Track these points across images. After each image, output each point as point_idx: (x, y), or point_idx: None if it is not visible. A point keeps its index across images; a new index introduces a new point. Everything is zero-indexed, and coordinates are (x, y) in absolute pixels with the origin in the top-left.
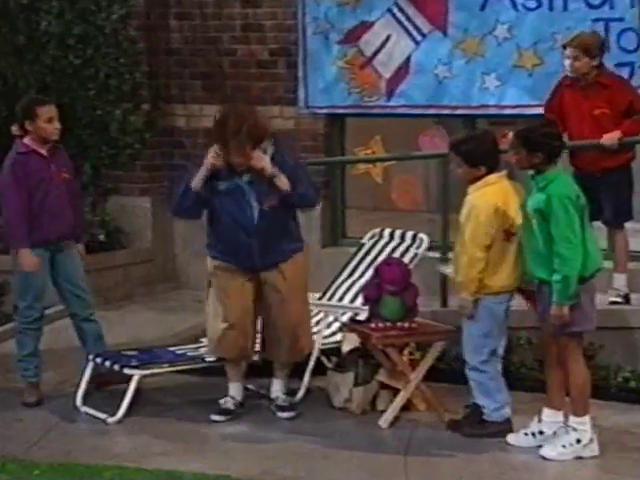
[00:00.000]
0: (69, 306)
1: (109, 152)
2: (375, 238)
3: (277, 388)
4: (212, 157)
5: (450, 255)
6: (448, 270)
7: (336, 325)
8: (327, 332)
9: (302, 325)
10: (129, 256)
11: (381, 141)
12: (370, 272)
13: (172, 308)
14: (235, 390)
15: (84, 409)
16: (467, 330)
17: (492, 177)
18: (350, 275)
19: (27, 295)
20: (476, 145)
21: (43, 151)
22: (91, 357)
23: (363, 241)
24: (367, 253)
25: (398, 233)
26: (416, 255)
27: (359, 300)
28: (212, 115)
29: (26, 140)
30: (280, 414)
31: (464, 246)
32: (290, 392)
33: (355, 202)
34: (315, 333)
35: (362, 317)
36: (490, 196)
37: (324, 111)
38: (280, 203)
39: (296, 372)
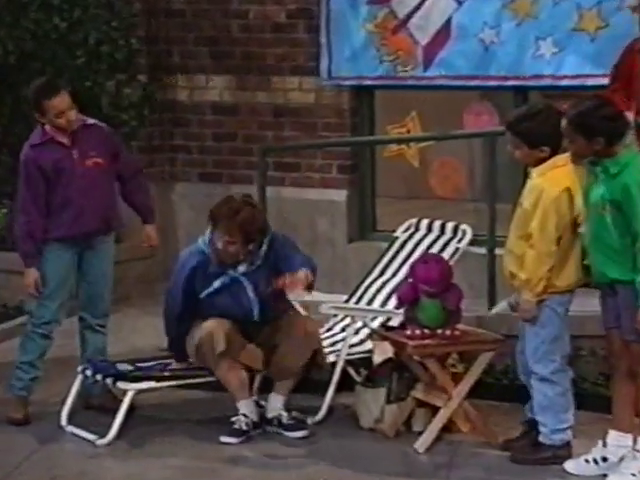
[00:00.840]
0: (80, 307)
1: None
2: (410, 230)
3: (276, 405)
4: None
5: (499, 252)
6: (506, 304)
7: (365, 332)
8: (355, 340)
9: (311, 321)
10: (125, 252)
11: (417, 118)
12: (404, 270)
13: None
14: (247, 407)
15: (70, 429)
16: (533, 337)
17: (560, 158)
18: (381, 274)
19: (41, 292)
20: (537, 123)
21: (64, 139)
22: (80, 369)
23: (396, 234)
24: (401, 248)
25: (437, 224)
26: (457, 250)
27: (392, 303)
28: (220, 87)
29: (47, 127)
30: (290, 434)
31: (530, 239)
32: (310, 411)
33: (387, 189)
34: (340, 341)
35: (395, 323)
36: (561, 180)
37: (350, 83)
38: (280, 290)
39: (317, 387)
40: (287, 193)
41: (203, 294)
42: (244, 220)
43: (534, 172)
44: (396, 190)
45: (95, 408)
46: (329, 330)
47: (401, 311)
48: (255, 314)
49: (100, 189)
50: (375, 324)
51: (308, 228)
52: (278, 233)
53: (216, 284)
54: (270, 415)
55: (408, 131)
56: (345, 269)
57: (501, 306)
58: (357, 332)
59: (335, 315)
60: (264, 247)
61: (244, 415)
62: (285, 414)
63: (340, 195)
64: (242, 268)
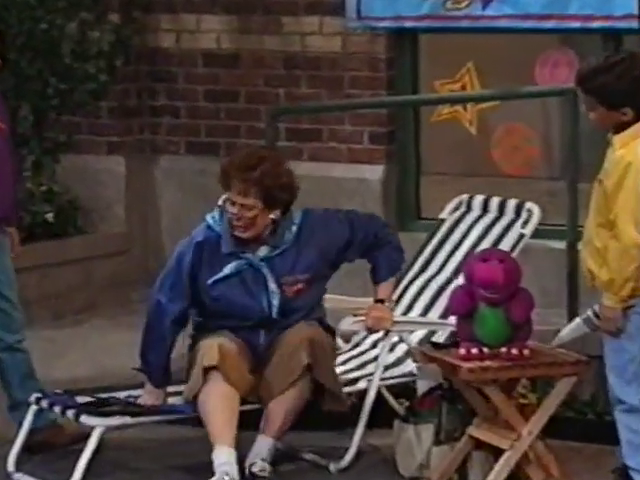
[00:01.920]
0: None
1: (60, 87)
2: (461, 210)
3: (259, 451)
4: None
5: (580, 246)
6: (580, 321)
7: (403, 348)
8: (389, 359)
9: (315, 327)
10: (91, 246)
11: (474, 70)
12: (453, 265)
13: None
14: (227, 457)
15: (18, 476)
16: (619, 354)
17: None
18: (422, 269)
19: None
20: (616, 77)
21: None
22: (32, 399)
23: (442, 215)
24: (448, 234)
25: (495, 202)
26: (522, 237)
27: (438, 310)
28: (215, 31)
29: None
30: None
31: (614, 228)
32: (333, 454)
33: (435, 164)
34: (371, 361)
35: (444, 338)
36: None
37: (386, 24)
38: (310, 284)
39: (342, 423)
40: (304, 170)
41: (209, 281)
42: (264, 173)
43: (616, 141)
44: (447, 165)
45: (38, 445)
46: (356, 346)
47: (452, 322)
48: (274, 311)
49: (5, 161)
50: (416, 339)
51: None
52: (316, 208)
53: (227, 269)
54: (248, 461)
55: (463, 88)
56: None
57: (571, 328)
58: (392, 349)
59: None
60: (295, 222)
61: (225, 474)
62: (260, 464)
63: (374, 172)
64: (263, 250)
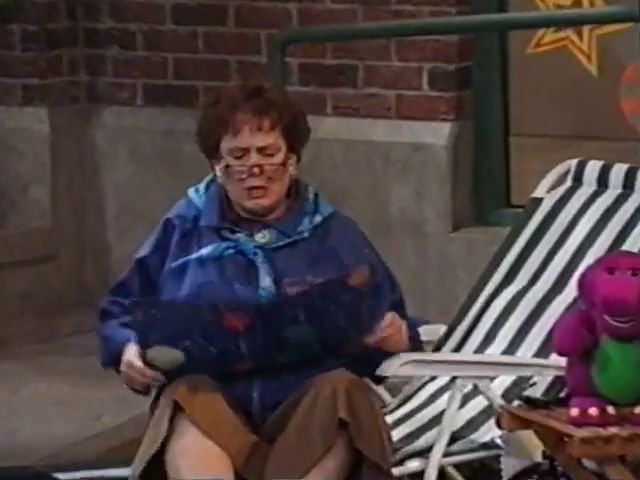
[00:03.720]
0: None
1: None
2: (565, 185)
3: None
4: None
5: None
6: None
7: (479, 405)
8: (458, 422)
9: (353, 377)
10: None
11: None
12: (555, 271)
13: (93, 370)
14: None
15: None
16: None
17: None
18: (507, 281)
19: None
20: None
21: None
22: None
23: (537, 194)
24: (546, 223)
25: (615, 172)
26: None
27: (533, 343)
28: None
29: None
30: None
31: None
32: None
33: (533, 121)
34: (428, 426)
35: (544, 389)
36: None
37: None
38: (323, 287)
39: None
40: (327, 129)
41: (176, 263)
42: (280, 96)
43: None
44: (551, 123)
45: None
46: (407, 401)
47: (558, 364)
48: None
49: None
50: (500, 391)
51: (370, 199)
52: (347, 217)
53: (206, 250)
54: None
55: (577, 1)
56: (445, 278)
57: None
58: (463, 404)
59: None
60: (321, 212)
61: None
62: None
63: (437, 134)
64: (265, 235)
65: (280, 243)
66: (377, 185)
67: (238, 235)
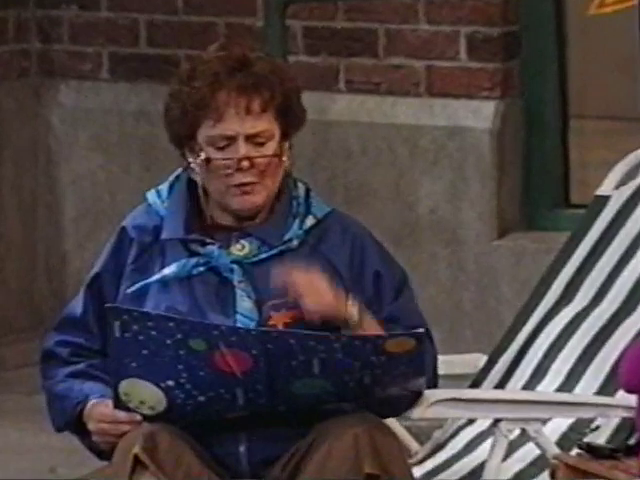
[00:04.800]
0: None
1: None
2: (638, 181)
3: None
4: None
5: None
6: None
7: (529, 455)
8: (505, 476)
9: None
10: None
11: None
12: (625, 287)
13: (45, 410)
14: None
15: None
16: None
17: None
18: (565, 299)
19: None
20: None
21: None
22: None
23: (603, 191)
24: (614, 227)
25: None
26: None
27: (595, 378)
28: None
29: None
30: None
31: None
32: None
33: (597, 100)
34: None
35: (609, 434)
36: None
37: None
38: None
39: None
40: (339, 108)
41: (133, 288)
42: (271, 67)
43: None
44: (621, 102)
45: None
46: (438, 450)
47: (627, 404)
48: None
49: None
50: (555, 437)
51: (394, 198)
52: (350, 218)
53: (170, 269)
54: None
55: None
56: (486, 296)
57: None
58: (508, 455)
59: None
60: (314, 213)
61: None
62: None
63: (478, 115)
64: (245, 247)
65: (262, 255)
66: (402, 180)
67: (210, 248)
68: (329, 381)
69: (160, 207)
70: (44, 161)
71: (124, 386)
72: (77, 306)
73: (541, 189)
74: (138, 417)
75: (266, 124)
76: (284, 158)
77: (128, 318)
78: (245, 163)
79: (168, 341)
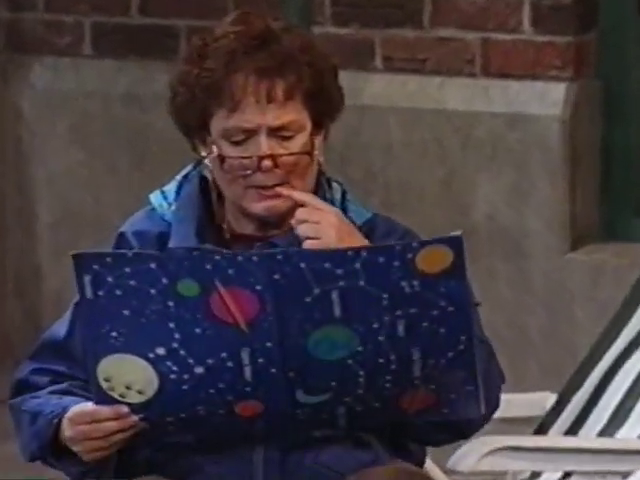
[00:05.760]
0: None
1: None
2: None
3: None
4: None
5: None
6: None
7: None
8: None
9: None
10: None
11: None
12: None
13: (15, 458)
14: None
15: None
16: None
17: None
18: None
19: None
20: None
21: None
22: None
23: None
24: None
25: None
26: None
27: None
28: None
29: None
30: None
31: None
32: None
33: None
34: None
35: None
36: None
37: None
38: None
39: None
40: (377, 91)
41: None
42: (296, 45)
43: None
44: None
45: None
46: None
47: None
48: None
49: None
50: None
51: (443, 200)
52: (395, 223)
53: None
54: None
55: None
56: (556, 321)
57: None
58: None
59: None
60: (352, 218)
61: None
62: None
63: (548, 99)
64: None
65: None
66: (453, 178)
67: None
68: (354, 330)
69: (166, 211)
70: (13, 156)
71: (104, 367)
72: (61, 329)
73: (623, 191)
74: (124, 409)
75: (293, 114)
76: (316, 154)
77: (100, 268)
78: (267, 162)
79: (152, 291)
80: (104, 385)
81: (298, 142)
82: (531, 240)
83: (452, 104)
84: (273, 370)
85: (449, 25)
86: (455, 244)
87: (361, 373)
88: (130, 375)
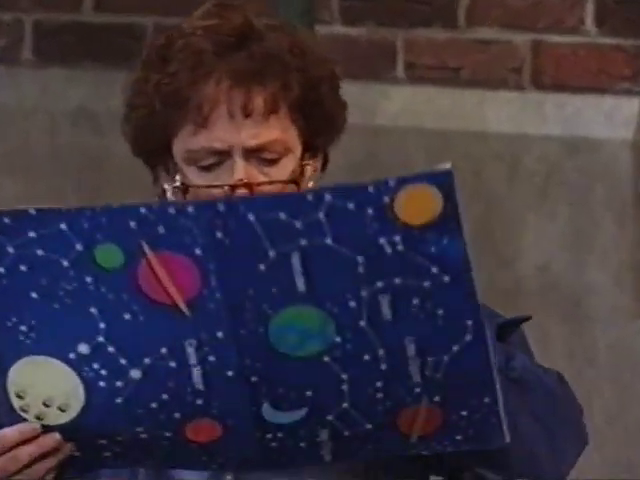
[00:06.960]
0: None
1: None
2: None
3: None
4: None
5: None
6: None
7: None
8: None
9: None
10: None
11: None
12: None
13: None
14: None
15: None
16: None
17: None
18: None
19: None
20: None
21: None
22: None
23: None
24: None
25: None
26: None
27: None
28: None
29: None
30: None
31: None
32: None
33: None
34: None
35: None
36: None
37: None
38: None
39: None
40: (399, 105)
41: None
42: (282, 44)
43: None
44: None
45: None
46: None
47: None
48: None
49: None
50: None
51: (481, 244)
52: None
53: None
54: None
55: None
56: (626, 397)
57: None
58: None
59: None
60: None
61: None
62: None
63: (616, 117)
64: None
65: None
66: (494, 218)
67: None
68: (326, 311)
69: None
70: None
71: (14, 377)
72: None
73: None
74: (33, 425)
75: (277, 132)
76: (307, 184)
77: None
78: (242, 192)
79: (65, 262)
80: (17, 403)
81: (283, 168)
82: (594, 298)
83: (494, 125)
84: (229, 373)
85: (490, 24)
86: (444, 182)
87: (343, 377)
88: (47, 387)
